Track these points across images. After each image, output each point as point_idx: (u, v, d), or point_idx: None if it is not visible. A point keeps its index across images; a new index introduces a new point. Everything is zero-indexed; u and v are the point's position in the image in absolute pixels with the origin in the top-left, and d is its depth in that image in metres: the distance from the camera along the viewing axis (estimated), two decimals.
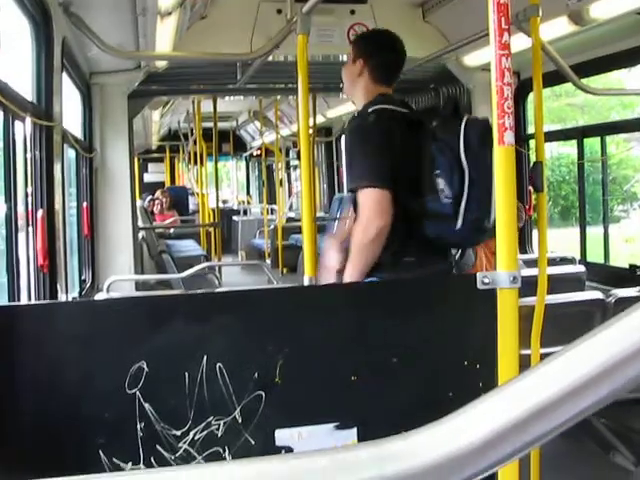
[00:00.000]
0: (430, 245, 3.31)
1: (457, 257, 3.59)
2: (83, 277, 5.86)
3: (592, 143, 6.88)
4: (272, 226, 13.15)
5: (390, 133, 3.31)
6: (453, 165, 3.16)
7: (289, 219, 13.98)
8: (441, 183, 3.19)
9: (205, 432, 2.28)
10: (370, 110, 3.38)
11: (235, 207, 18.22)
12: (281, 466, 0.59)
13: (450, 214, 3.18)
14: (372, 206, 3.18)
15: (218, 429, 2.29)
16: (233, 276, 11.05)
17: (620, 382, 0.58)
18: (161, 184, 17.29)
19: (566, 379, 0.58)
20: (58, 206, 4.24)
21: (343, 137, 3.44)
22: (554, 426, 0.58)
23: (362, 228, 3.21)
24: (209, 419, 2.28)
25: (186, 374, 2.27)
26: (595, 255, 6.29)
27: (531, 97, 6.19)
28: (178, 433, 2.27)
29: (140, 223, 8.58)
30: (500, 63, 2.14)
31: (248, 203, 19.39)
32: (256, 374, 2.31)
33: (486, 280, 2.28)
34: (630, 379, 0.58)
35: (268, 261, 12.51)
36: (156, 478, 0.61)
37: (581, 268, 5.32)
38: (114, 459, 2.23)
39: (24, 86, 3.84)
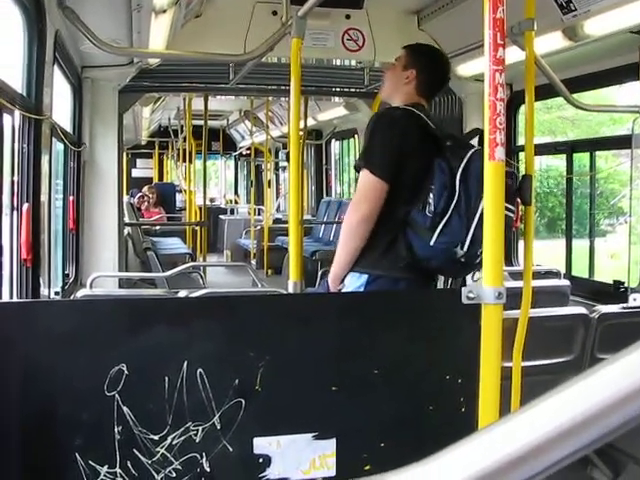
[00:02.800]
0: (409, 255, 3.40)
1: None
2: (67, 271, 5.82)
3: (580, 157, 6.89)
4: (259, 227, 13.10)
5: (406, 134, 3.43)
6: (447, 185, 3.26)
7: (276, 220, 13.94)
8: (431, 197, 3.28)
9: (183, 437, 2.26)
10: (399, 107, 3.54)
11: (222, 206, 18.16)
12: None
13: (428, 228, 3.27)
14: (366, 190, 3.35)
15: (196, 435, 2.27)
16: (218, 276, 11.03)
17: (607, 428, 0.56)
18: (149, 180, 17.24)
19: (550, 425, 0.57)
20: (44, 199, 4.20)
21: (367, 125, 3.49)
22: (538, 472, 0.57)
23: (354, 208, 3.37)
24: (188, 424, 2.26)
25: (166, 378, 2.25)
26: (580, 268, 6.29)
27: (522, 109, 6.19)
28: (156, 437, 2.25)
29: (126, 219, 8.54)
30: (494, 78, 2.13)
31: (236, 203, 19.33)
32: (236, 381, 2.29)
33: (471, 295, 2.27)
34: (621, 423, 0.57)
35: (253, 262, 12.47)
36: None
37: (566, 282, 5.32)
38: (90, 462, 2.21)
39: (14, 78, 3.81)
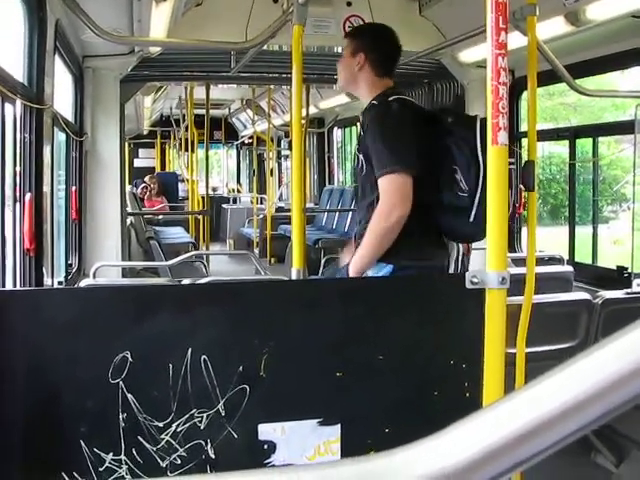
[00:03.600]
0: (440, 239, 3.48)
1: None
2: (70, 261, 5.83)
3: (584, 143, 6.88)
4: (261, 215, 13.09)
5: (412, 124, 3.40)
6: (470, 161, 3.28)
7: (278, 209, 13.95)
8: (458, 177, 3.31)
9: (188, 424, 2.26)
10: (390, 99, 3.45)
11: (225, 195, 18.16)
12: None
13: (466, 207, 3.29)
14: (395, 193, 3.25)
15: (201, 422, 2.27)
16: (221, 265, 11.03)
17: (614, 403, 0.56)
18: (151, 170, 17.23)
19: (560, 399, 0.57)
20: (47, 189, 4.20)
21: (370, 120, 3.43)
22: (547, 446, 0.57)
23: (384, 214, 3.25)
24: (192, 411, 2.27)
25: (170, 365, 2.25)
26: (583, 255, 6.29)
27: (525, 95, 6.18)
28: (160, 424, 2.25)
29: (129, 208, 8.54)
30: (496, 62, 2.12)
31: (238, 192, 19.33)
32: (241, 367, 2.29)
33: (475, 280, 2.27)
34: (625, 400, 0.56)
35: (256, 251, 12.48)
36: None
37: (569, 268, 5.32)
38: (95, 449, 2.21)
39: (15, 67, 3.80)
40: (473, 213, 3.27)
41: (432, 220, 3.41)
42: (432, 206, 3.36)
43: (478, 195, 3.25)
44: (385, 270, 3.33)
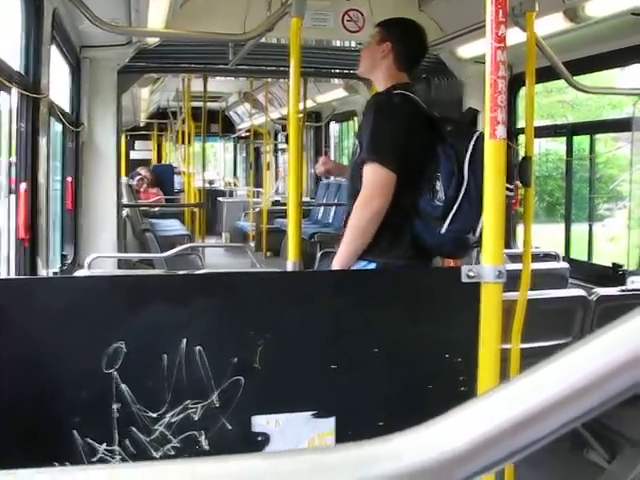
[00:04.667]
0: (417, 245, 3.35)
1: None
2: (65, 252, 5.81)
3: (580, 140, 6.88)
4: (257, 209, 13.09)
5: (409, 122, 3.36)
6: (454, 171, 3.21)
7: (275, 202, 13.93)
8: (438, 185, 3.24)
9: (182, 415, 2.26)
10: (396, 92, 3.42)
11: (221, 188, 18.15)
12: (256, 465, 0.57)
13: (439, 217, 3.22)
14: (376, 184, 3.23)
15: (195, 413, 2.27)
16: (216, 258, 11.02)
17: (612, 392, 0.56)
18: (148, 162, 17.22)
19: (557, 387, 0.57)
20: (42, 179, 4.19)
21: (364, 112, 3.43)
22: (543, 434, 0.56)
23: (365, 203, 3.25)
24: (186, 402, 2.26)
25: (165, 356, 2.25)
26: (579, 252, 6.30)
27: (522, 92, 6.18)
28: (154, 415, 2.25)
29: (124, 200, 8.53)
30: (495, 56, 2.12)
31: (234, 185, 19.33)
32: (236, 359, 2.29)
33: (471, 274, 2.27)
34: (616, 393, 0.56)
35: (252, 244, 12.47)
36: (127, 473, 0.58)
37: (564, 265, 5.32)
38: (88, 439, 2.21)
39: (12, 56, 3.79)
40: (445, 225, 3.21)
41: (408, 224, 3.35)
42: (408, 208, 3.31)
43: (455, 208, 3.19)
44: (368, 268, 3.31)
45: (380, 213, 3.23)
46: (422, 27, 3.66)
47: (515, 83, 6.08)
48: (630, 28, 4.58)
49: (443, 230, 3.21)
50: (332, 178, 14.02)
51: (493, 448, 0.57)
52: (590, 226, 6.24)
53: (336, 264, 3.32)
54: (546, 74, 4.58)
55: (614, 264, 5.46)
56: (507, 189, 2.99)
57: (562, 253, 5.79)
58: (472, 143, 3.23)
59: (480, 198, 3.12)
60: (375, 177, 3.25)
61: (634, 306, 0.61)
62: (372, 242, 3.28)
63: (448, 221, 3.20)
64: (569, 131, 6.34)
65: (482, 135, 3.23)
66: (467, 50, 6.12)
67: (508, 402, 0.57)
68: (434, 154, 3.28)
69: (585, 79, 5.52)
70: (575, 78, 4.72)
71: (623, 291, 4.14)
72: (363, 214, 3.25)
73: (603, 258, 6.71)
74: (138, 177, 14.38)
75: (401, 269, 3.27)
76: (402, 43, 3.56)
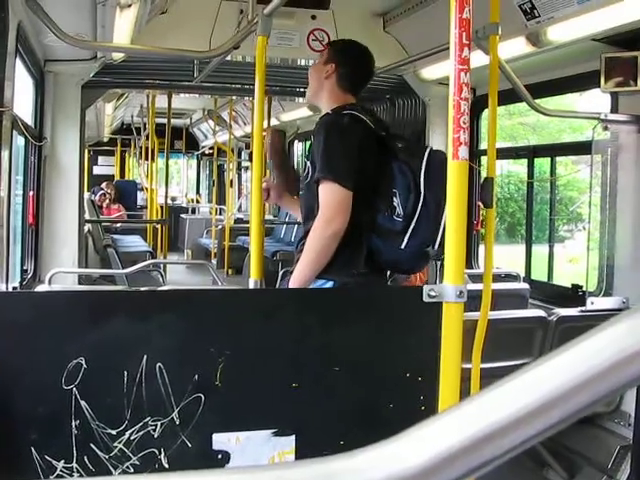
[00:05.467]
0: (373, 260, 3.35)
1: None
2: (25, 267, 5.75)
3: (541, 163, 6.97)
4: (220, 226, 13.06)
5: (361, 140, 3.35)
6: (411, 186, 3.26)
7: (237, 220, 13.90)
8: (396, 201, 3.27)
9: (141, 432, 2.24)
10: (344, 112, 3.42)
11: (184, 205, 18.09)
12: None
13: (399, 232, 3.26)
14: (335, 204, 3.21)
15: (155, 430, 2.25)
16: (178, 275, 10.96)
17: (571, 409, 0.57)
18: (111, 177, 17.12)
19: (516, 404, 0.58)
20: (3, 193, 4.14)
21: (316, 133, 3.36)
22: (504, 451, 0.57)
23: (325, 224, 3.21)
24: (146, 419, 2.24)
25: (125, 372, 2.23)
26: (539, 273, 6.36)
27: (485, 114, 6.25)
28: (114, 432, 2.23)
29: (87, 215, 8.46)
30: (459, 78, 2.14)
31: (197, 202, 19.27)
32: (196, 376, 2.28)
33: (432, 293, 2.28)
34: (582, 406, 0.57)
35: (214, 261, 12.42)
36: None
37: (525, 285, 5.38)
38: (46, 457, 2.18)
39: None
40: (405, 240, 3.25)
41: (365, 242, 3.33)
42: (365, 225, 3.30)
43: (413, 223, 3.25)
44: (327, 286, 3.28)
45: (340, 232, 3.21)
46: (369, 52, 3.66)
47: (478, 105, 6.15)
48: (590, 54, 4.66)
49: (403, 245, 3.25)
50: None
51: (454, 464, 0.57)
52: (550, 247, 6.31)
53: (292, 285, 3.27)
54: (508, 97, 4.65)
55: (574, 285, 5.52)
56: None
57: (523, 274, 5.84)
58: (425, 159, 3.29)
59: (437, 211, 3.20)
60: (333, 196, 3.22)
61: (593, 327, 0.62)
62: (330, 261, 3.26)
63: (408, 236, 3.25)
64: (530, 153, 6.41)
65: (432, 151, 3.38)
66: (431, 72, 6.18)
67: (469, 418, 0.58)
68: (388, 171, 3.32)
69: (546, 102, 5.61)
70: (537, 101, 4.80)
71: (583, 312, 4.19)
72: (323, 234, 3.22)
73: (563, 279, 6.80)
74: (100, 192, 14.29)
75: (360, 286, 3.28)
76: (346, 65, 3.56)
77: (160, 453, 2.27)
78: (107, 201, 14.14)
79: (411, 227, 3.24)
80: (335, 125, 3.38)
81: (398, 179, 3.29)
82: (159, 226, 11.55)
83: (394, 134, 3.62)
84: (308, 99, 3.85)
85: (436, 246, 3.25)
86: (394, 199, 3.28)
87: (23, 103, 5.20)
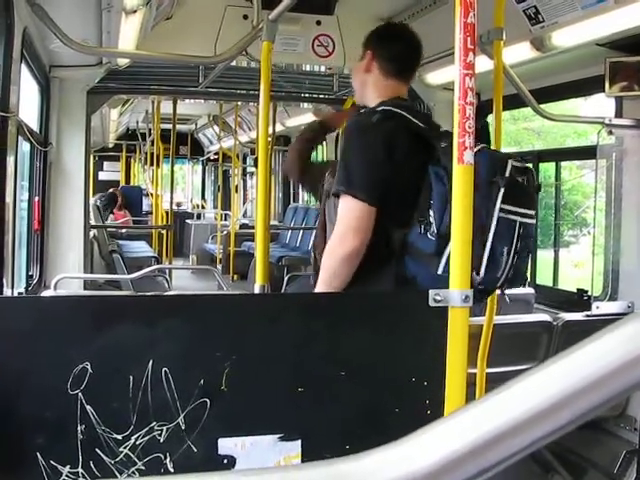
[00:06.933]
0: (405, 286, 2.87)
1: None
2: (30, 273, 5.76)
3: (546, 168, 6.97)
4: (225, 232, 13.09)
5: (391, 142, 2.89)
6: (449, 198, 2.44)
7: (242, 226, 13.94)
8: (431, 215, 2.72)
9: (147, 437, 2.24)
10: (378, 109, 2.99)
11: (189, 211, 18.13)
12: None
13: (432, 253, 2.69)
14: (351, 220, 2.83)
15: (160, 435, 2.25)
16: (183, 280, 10.99)
17: (577, 412, 0.57)
18: (116, 183, 17.17)
19: (522, 407, 0.58)
20: (9, 199, 4.15)
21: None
22: (510, 453, 0.57)
23: (337, 242, 2.86)
24: (152, 424, 2.24)
25: (131, 377, 2.23)
26: (544, 278, 6.36)
27: (490, 119, 6.25)
28: (119, 437, 2.23)
29: (92, 221, 8.48)
30: (464, 82, 2.15)
31: (202, 207, 19.31)
32: (202, 381, 2.28)
33: (438, 298, 2.28)
34: (588, 409, 0.57)
35: (219, 267, 12.45)
36: None
37: (530, 290, 5.37)
38: (52, 461, 2.18)
39: None
40: (442, 265, 2.65)
41: (397, 263, 2.85)
42: (395, 244, 2.85)
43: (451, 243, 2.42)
44: None
45: (355, 254, 2.82)
46: (405, 25, 3.34)
47: (482, 110, 6.15)
48: (594, 58, 4.67)
49: (440, 270, 2.66)
50: (300, 202, 14.04)
51: (461, 466, 0.57)
52: (555, 252, 6.31)
53: None
54: (513, 101, 4.65)
55: (579, 289, 5.51)
56: (528, 215, 2.73)
57: (528, 278, 5.84)
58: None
59: (483, 229, 2.61)
60: (349, 212, 2.82)
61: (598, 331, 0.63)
62: (352, 283, 2.89)
63: (445, 257, 2.63)
64: (535, 158, 6.41)
65: (486, 149, 2.82)
66: (435, 77, 6.18)
67: (476, 421, 0.58)
68: (427, 177, 2.78)
69: (551, 107, 5.61)
70: (541, 106, 4.80)
71: (588, 316, 4.18)
72: (335, 254, 2.85)
73: (568, 283, 6.79)
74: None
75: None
76: (382, 43, 3.21)
77: (166, 458, 2.27)
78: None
79: (448, 249, 2.50)
80: (359, 128, 2.99)
81: (435, 188, 2.72)
82: (164, 231, 11.59)
83: (442, 131, 3.01)
84: (359, 103, 3.41)
85: (482, 271, 2.63)
86: (429, 212, 2.72)
87: (29, 109, 5.21)
